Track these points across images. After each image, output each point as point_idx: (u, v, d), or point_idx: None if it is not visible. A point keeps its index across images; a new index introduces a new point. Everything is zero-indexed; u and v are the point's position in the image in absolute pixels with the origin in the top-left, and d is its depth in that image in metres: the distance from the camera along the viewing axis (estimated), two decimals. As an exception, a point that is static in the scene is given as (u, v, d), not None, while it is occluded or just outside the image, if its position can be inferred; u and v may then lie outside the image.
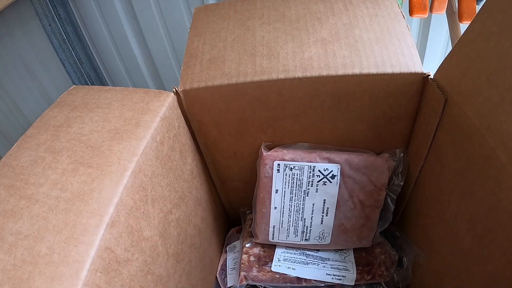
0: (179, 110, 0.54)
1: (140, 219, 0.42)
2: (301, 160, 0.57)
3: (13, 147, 0.46)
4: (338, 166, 0.57)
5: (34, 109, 1.66)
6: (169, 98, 0.51)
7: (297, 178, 0.59)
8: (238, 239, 0.73)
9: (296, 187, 0.59)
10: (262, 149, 0.59)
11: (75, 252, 0.34)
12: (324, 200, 0.59)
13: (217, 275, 0.70)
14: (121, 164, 0.41)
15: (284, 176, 0.59)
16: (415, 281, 0.61)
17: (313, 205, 0.60)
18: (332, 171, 0.57)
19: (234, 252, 0.71)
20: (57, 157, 0.43)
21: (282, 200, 0.60)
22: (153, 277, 0.44)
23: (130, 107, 0.49)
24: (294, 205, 0.60)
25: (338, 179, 0.58)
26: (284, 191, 0.60)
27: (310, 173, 0.58)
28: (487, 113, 0.39)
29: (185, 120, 0.56)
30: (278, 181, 0.59)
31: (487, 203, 0.41)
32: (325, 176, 0.58)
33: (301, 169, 0.58)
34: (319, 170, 0.58)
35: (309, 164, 0.57)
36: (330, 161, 0.57)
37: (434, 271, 0.55)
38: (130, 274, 0.39)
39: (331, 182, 0.58)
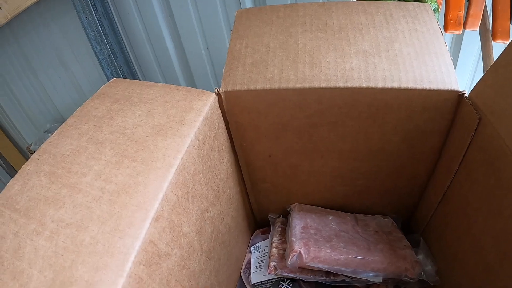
0: (219, 111, 0.55)
1: (181, 215, 0.43)
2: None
3: (53, 135, 0.46)
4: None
5: (65, 100, 1.68)
6: (211, 98, 0.52)
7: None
8: (262, 240, 0.74)
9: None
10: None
11: (120, 244, 0.34)
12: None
13: (242, 273, 0.71)
14: (166, 161, 0.42)
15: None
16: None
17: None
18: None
19: (259, 252, 0.72)
20: (100, 149, 0.43)
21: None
22: (188, 272, 0.45)
23: (173, 104, 0.50)
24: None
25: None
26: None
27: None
28: (520, 135, 0.40)
29: (224, 121, 0.57)
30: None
31: (514, 222, 0.41)
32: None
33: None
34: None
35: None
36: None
37: (457, 283, 0.55)
38: (169, 268, 0.40)
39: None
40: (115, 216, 0.36)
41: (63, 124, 0.48)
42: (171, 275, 0.41)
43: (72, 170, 0.41)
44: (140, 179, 0.40)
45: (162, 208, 0.39)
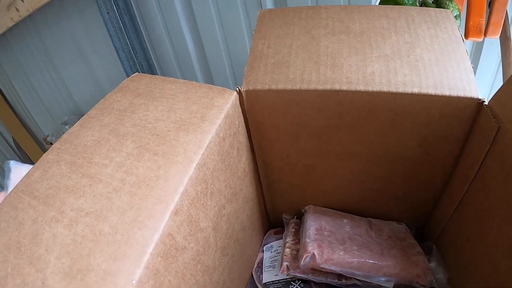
0: (239, 109, 0.55)
1: (199, 210, 0.43)
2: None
3: (74, 125, 0.47)
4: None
5: (83, 93, 1.70)
6: (233, 97, 0.52)
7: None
8: (275, 240, 0.75)
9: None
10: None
11: (139, 235, 0.34)
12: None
13: (253, 272, 0.71)
14: (187, 155, 0.42)
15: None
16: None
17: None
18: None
19: (271, 252, 0.72)
20: (122, 141, 0.44)
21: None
22: (202, 267, 0.45)
23: (195, 100, 0.50)
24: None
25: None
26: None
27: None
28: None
29: (243, 119, 0.57)
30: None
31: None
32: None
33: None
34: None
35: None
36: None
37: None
38: (184, 262, 0.40)
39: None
40: (135, 207, 0.37)
41: (84, 116, 0.48)
42: (186, 268, 0.41)
43: (93, 160, 0.42)
44: (161, 173, 0.40)
45: (182, 202, 0.39)
